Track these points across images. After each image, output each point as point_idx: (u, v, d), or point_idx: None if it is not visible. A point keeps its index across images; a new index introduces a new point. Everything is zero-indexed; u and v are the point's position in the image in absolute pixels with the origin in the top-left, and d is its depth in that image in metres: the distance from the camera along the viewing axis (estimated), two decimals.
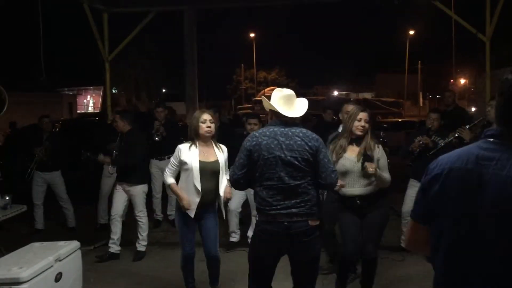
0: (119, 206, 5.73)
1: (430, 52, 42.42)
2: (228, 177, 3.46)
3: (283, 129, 3.23)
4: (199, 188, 4.11)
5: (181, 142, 4.34)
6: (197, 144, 4.20)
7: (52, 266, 3.76)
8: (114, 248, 5.73)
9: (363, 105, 4.81)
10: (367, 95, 45.81)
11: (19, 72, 27.39)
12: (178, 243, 6.32)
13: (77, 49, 27.65)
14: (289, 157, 3.14)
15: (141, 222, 5.81)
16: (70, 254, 4.09)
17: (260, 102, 24.45)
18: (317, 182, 3.26)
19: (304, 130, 3.29)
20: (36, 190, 6.84)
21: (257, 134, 3.28)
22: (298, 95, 3.55)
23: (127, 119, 5.74)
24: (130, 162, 5.59)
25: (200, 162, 4.12)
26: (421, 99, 45.45)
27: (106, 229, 6.58)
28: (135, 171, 5.67)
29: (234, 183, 3.37)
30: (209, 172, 4.16)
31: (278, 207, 3.16)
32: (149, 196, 6.53)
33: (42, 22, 7.26)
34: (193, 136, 4.21)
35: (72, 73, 34.55)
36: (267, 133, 3.24)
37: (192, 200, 4.17)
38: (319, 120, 9.51)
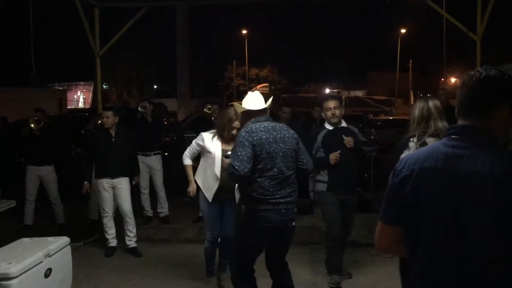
0: (111, 203, 5.83)
1: (422, 50, 42.59)
2: (233, 171, 3.45)
3: (272, 125, 3.60)
4: (219, 175, 4.33)
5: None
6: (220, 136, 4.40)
7: (41, 261, 3.74)
8: (114, 242, 5.90)
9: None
10: (359, 93, 45.98)
11: (9, 67, 27.16)
12: (168, 239, 6.40)
13: (67, 44, 27.46)
14: (284, 149, 3.52)
15: (131, 218, 5.83)
16: (60, 250, 4.06)
17: None
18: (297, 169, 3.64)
19: (285, 125, 3.73)
20: (29, 186, 6.78)
21: (253, 130, 3.50)
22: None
23: (117, 115, 5.84)
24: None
25: (223, 150, 4.32)
26: (412, 97, 45.67)
27: (96, 225, 6.57)
28: (126, 164, 5.82)
29: (244, 176, 3.42)
30: None
31: (277, 196, 3.48)
32: (136, 192, 6.51)
33: (33, 17, 7.21)
34: (220, 132, 4.39)
35: (62, 69, 34.34)
36: (261, 128, 3.52)
37: (211, 185, 4.39)
38: (309, 117, 9.54)
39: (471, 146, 1.61)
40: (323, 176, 4.67)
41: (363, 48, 55.00)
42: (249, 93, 3.85)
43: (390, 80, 44.83)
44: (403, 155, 3.53)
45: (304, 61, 53.60)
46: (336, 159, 4.51)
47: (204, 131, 4.56)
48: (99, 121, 6.29)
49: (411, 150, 3.54)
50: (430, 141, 3.52)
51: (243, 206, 3.75)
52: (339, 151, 4.52)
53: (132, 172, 6.02)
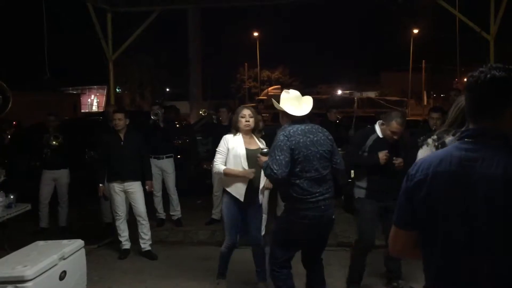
0: (123, 206, 5.86)
1: (435, 50, 42.13)
2: (271, 174, 3.59)
3: (308, 127, 3.73)
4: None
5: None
6: (240, 134, 4.46)
7: (56, 264, 3.78)
8: (128, 245, 5.92)
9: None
10: (371, 94, 45.63)
11: (23, 71, 27.43)
12: (181, 242, 6.42)
13: (81, 48, 27.67)
14: (321, 151, 3.69)
15: (145, 221, 5.84)
16: (74, 252, 4.10)
17: (263, 101, 24.47)
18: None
19: (320, 127, 3.86)
20: (44, 189, 6.84)
21: (291, 133, 3.63)
22: (302, 94, 3.82)
23: (127, 118, 5.83)
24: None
25: (246, 149, 4.36)
26: (425, 98, 45.30)
27: (110, 228, 6.61)
28: (136, 167, 5.81)
29: (282, 180, 3.59)
30: (254, 159, 4.21)
31: (317, 194, 3.64)
32: (149, 195, 6.54)
33: (46, 21, 7.27)
34: (235, 129, 4.49)
35: (76, 73, 34.55)
36: (299, 131, 3.66)
37: (240, 186, 4.37)
38: (323, 119, 9.47)
39: (485, 148, 1.58)
40: (362, 182, 4.55)
41: (376, 49, 54.64)
42: (291, 92, 3.84)
43: (403, 81, 44.49)
44: (420, 152, 3.44)
45: (316, 62, 53.43)
46: (386, 158, 4.34)
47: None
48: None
49: (429, 147, 3.34)
50: (450, 141, 3.14)
51: (283, 204, 3.93)
52: (386, 151, 4.35)
53: (144, 176, 6.01)
